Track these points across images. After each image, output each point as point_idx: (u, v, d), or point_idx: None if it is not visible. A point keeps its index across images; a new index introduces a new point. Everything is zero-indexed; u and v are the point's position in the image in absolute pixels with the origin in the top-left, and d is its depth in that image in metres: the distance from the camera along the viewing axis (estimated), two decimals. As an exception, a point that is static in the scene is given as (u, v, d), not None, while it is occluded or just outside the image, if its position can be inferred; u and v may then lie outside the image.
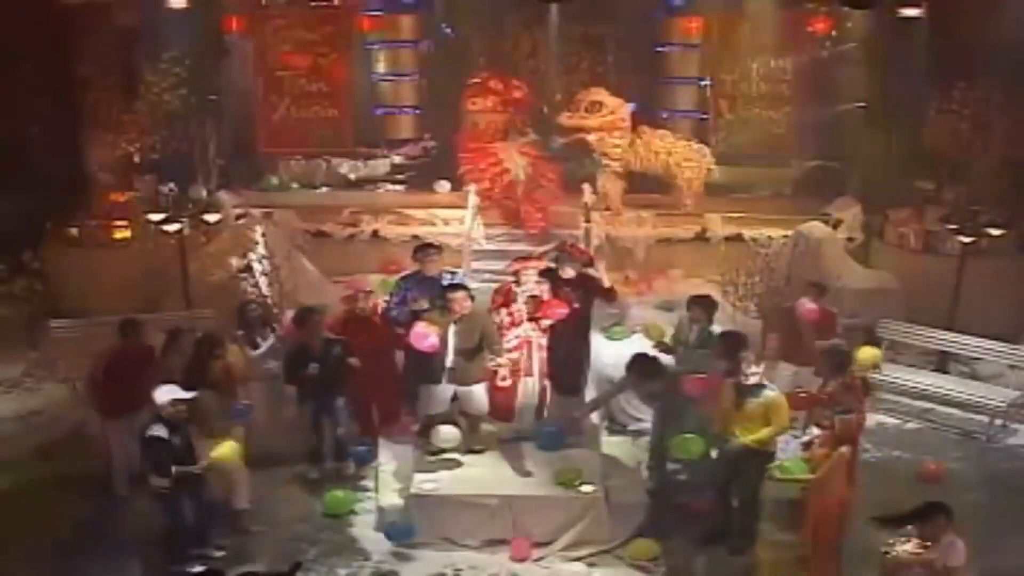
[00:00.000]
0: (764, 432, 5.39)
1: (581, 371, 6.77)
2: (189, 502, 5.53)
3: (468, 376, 6.19)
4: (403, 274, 6.91)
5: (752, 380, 5.51)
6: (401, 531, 5.75)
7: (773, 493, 5.86)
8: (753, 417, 5.45)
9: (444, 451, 6.18)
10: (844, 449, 5.12)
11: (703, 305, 6.54)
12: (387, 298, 6.82)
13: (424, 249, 6.92)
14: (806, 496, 5.39)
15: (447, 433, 6.23)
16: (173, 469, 5.37)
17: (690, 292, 7.36)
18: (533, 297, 6.42)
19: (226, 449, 5.71)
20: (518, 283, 6.53)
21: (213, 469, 5.65)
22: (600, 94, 10.31)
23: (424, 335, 5.92)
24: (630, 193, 10.45)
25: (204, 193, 9.30)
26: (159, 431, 5.40)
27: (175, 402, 5.44)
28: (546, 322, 6.38)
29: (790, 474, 5.25)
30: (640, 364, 6.18)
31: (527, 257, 6.86)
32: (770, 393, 5.51)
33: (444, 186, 11.38)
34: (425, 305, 6.27)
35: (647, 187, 10.58)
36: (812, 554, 5.23)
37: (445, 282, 6.67)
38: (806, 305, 7.12)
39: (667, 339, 6.89)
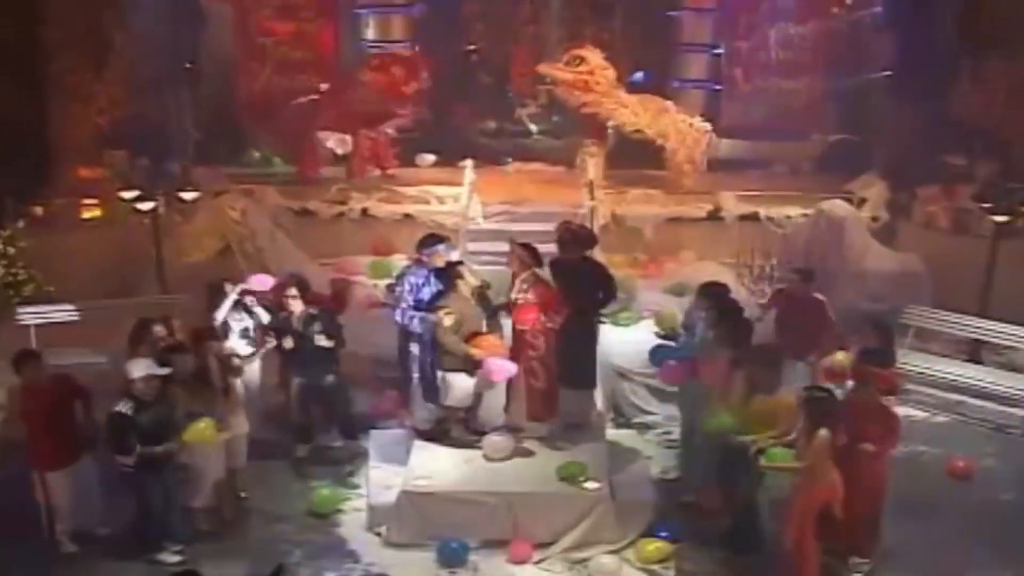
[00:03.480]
0: (768, 434, 5.35)
1: (593, 364, 6.68)
2: (156, 487, 5.47)
3: (449, 362, 6.12)
4: (407, 267, 6.65)
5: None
6: (453, 555, 5.59)
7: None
8: (758, 416, 5.42)
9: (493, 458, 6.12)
10: (823, 432, 5.00)
11: (712, 295, 6.40)
12: (390, 289, 6.66)
13: (429, 242, 6.60)
14: (793, 487, 5.29)
15: (498, 443, 6.15)
16: (137, 448, 5.30)
17: (701, 275, 7.25)
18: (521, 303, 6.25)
19: (201, 428, 5.54)
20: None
21: (185, 449, 5.55)
22: (587, 51, 10.24)
23: (502, 369, 5.96)
24: (623, 169, 10.32)
25: (180, 169, 9.19)
26: (125, 407, 5.34)
27: (149, 378, 5.37)
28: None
29: (774, 461, 5.15)
30: (710, 289, 6.25)
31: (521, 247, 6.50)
32: (781, 394, 5.44)
33: (427, 159, 11.26)
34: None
35: (643, 162, 10.43)
36: (793, 550, 5.17)
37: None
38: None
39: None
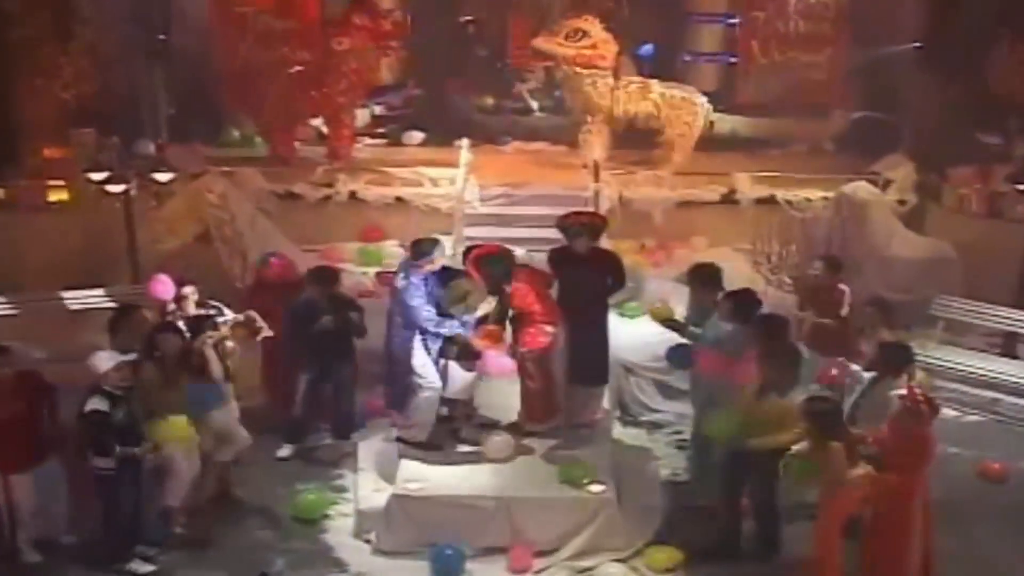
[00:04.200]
0: (784, 438, 5.31)
1: (605, 357, 6.62)
2: (130, 489, 5.45)
3: (450, 350, 6.10)
4: (408, 269, 6.36)
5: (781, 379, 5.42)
6: (448, 563, 5.52)
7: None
8: (769, 418, 5.39)
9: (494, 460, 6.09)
10: (835, 446, 4.99)
11: (703, 278, 6.33)
12: (379, 277, 6.61)
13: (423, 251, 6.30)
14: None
15: (499, 443, 6.12)
16: (117, 448, 5.28)
17: (713, 262, 7.16)
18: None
19: (175, 427, 5.52)
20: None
21: (160, 449, 5.53)
22: (589, 23, 10.17)
23: (497, 364, 5.96)
24: (630, 148, 10.30)
25: (153, 148, 9.13)
26: (99, 404, 5.30)
27: (120, 367, 5.34)
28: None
29: (792, 471, 5.12)
30: (701, 271, 6.20)
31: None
32: (798, 397, 5.40)
33: (415, 136, 11.21)
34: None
35: (634, 142, 10.40)
36: (817, 562, 5.14)
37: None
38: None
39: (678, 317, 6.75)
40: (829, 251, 8.61)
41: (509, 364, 6.06)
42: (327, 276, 6.74)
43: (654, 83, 10.29)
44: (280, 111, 10.31)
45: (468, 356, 6.09)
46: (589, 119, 10.22)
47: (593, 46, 10.02)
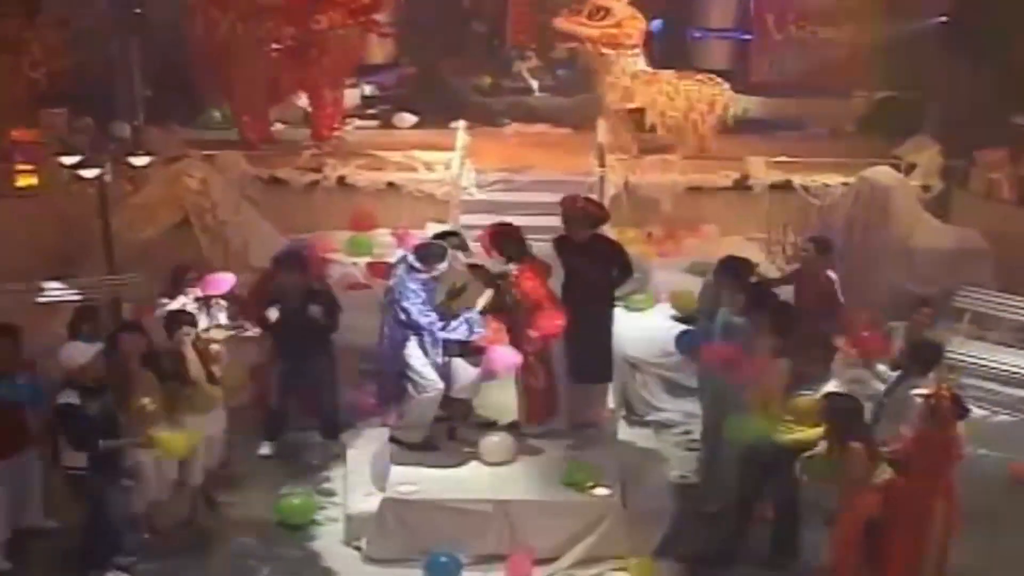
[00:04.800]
0: (811, 433, 5.30)
1: (608, 353, 6.61)
2: (109, 491, 5.42)
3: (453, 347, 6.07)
4: (407, 268, 6.27)
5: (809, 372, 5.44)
6: (443, 571, 5.52)
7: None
8: (799, 412, 5.37)
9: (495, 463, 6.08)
10: (856, 447, 4.97)
11: (732, 272, 6.28)
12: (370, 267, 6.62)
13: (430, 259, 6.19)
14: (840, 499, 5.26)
15: (498, 444, 6.11)
16: (100, 443, 5.23)
17: (726, 252, 7.12)
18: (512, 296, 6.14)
19: (179, 442, 5.50)
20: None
21: (148, 448, 5.51)
22: (611, 0, 10.01)
23: (504, 359, 5.92)
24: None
25: (129, 130, 9.09)
26: (71, 397, 5.27)
27: (96, 359, 5.31)
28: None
29: (812, 472, 5.10)
30: (731, 265, 6.15)
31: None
32: (827, 388, 5.40)
33: (406, 119, 11.18)
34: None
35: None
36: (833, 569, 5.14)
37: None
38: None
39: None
40: (849, 241, 8.62)
41: (516, 360, 6.02)
42: (294, 262, 6.66)
43: (669, 73, 10.26)
44: (255, 91, 10.27)
45: (472, 352, 6.06)
46: (612, 101, 10.13)
47: (618, 24, 10.02)
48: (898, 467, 5.06)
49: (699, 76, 10.27)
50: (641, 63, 10.11)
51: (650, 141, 10.36)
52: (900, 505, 5.06)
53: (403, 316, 6.01)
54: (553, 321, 6.05)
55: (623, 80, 10.08)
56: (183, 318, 6.01)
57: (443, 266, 6.10)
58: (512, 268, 6.11)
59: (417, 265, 6.03)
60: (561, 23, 10.22)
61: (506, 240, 6.21)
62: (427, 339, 6.02)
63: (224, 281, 6.68)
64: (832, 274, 6.77)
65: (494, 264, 6.24)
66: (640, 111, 10.19)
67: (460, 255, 6.25)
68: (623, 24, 9.99)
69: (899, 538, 5.10)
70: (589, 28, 10.00)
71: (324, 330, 6.62)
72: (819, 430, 5.28)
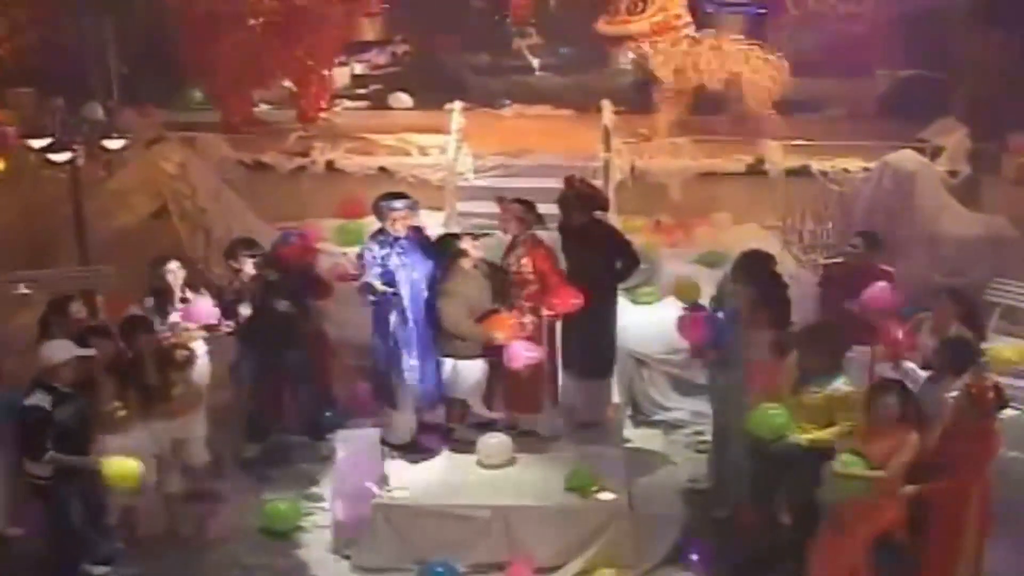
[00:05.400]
0: (824, 433, 5.32)
1: (611, 348, 6.62)
2: (75, 500, 5.39)
3: (462, 348, 6.07)
4: (369, 238, 6.47)
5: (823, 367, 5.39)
6: None
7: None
8: (813, 411, 5.37)
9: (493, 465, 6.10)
10: (911, 437, 4.95)
11: (751, 268, 6.25)
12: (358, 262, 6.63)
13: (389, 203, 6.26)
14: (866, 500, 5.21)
15: (496, 445, 6.12)
16: (49, 454, 5.18)
17: (740, 241, 7.16)
18: (518, 275, 6.18)
19: (125, 470, 5.35)
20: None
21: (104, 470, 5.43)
22: None
23: (523, 355, 5.93)
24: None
25: (102, 111, 9.05)
26: (40, 399, 5.23)
27: (72, 362, 5.27)
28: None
29: (849, 468, 5.08)
30: (750, 260, 6.12)
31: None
32: (842, 385, 5.38)
33: (402, 99, 11.15)
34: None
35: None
36: None
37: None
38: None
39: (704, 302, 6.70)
40: (870, 228, 8.57)
41: (535, 355, 6.01)
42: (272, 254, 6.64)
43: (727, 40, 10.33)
44: (237, 70, 10.26)
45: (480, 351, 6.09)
46: (668, 81, 10.13)
47: (662, 8, 9.99)
48: (930, 472, 5.03)
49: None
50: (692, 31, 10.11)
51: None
52: (935, 507, 5.05)
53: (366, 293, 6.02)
54: (568, 299, 6.07)
55: (676, 58, 10.02)
56: (140, 324, 6.01)
57: (396, 207, 6.04)
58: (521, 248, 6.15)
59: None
60: (606, 28, 10.32)
61: (526, 207, 6.23)
62: (398, 324, 5.99)
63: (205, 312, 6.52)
64: (888, 268, 6.77)
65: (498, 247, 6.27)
66: (701, 88, 10.15)
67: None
68: (667, 6, 9.99)
69: (933, 544, 5.09)
70: (638, 23, 10.00)
71: (300, 324, 6.58)
72: (835, 429, 5.29)
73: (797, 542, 5.65)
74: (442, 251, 6.15)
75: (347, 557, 5.91)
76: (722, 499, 6.25)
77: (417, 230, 6.28)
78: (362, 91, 11.96)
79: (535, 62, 12.33)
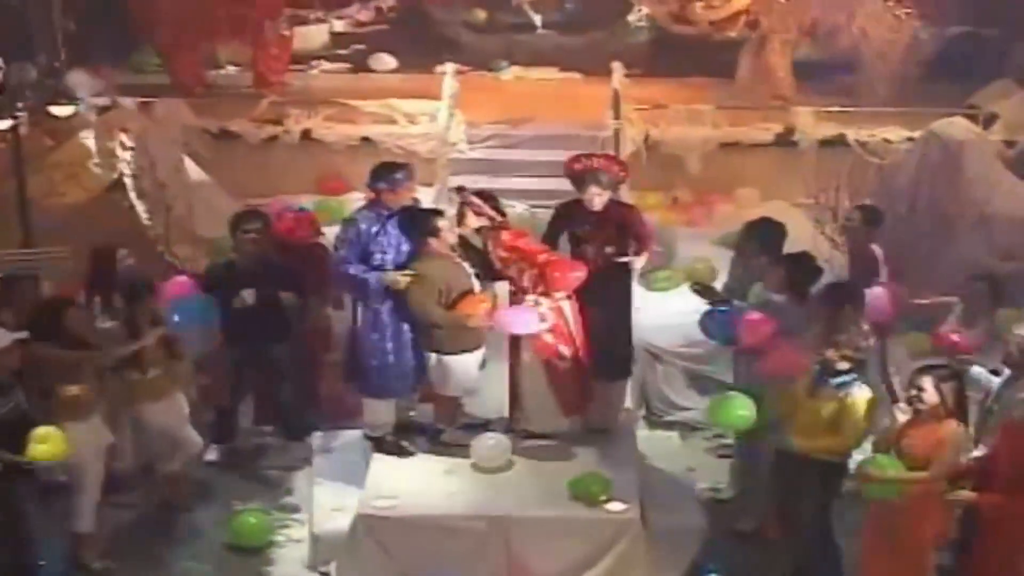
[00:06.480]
0: (827, 442, 5.35)
1: (627, 343, 6.62)
2: (26, 507, 5.42)
3: (447, 341, 6.06)
4: (358, 209, 6.55)
5: (841, 366, 5.39)
6: None
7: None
8: (821, 417, 5.39)
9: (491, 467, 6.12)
10: (957, 430, 4.94)
11: (761, 238, 6.29)
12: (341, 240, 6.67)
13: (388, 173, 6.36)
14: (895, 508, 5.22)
15: (493, 448, 6.12)
16: None
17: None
18: (504, 267, 6.19)
19: (48, 443, 5.34)
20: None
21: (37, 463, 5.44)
22: None
23: (521, 319, 5.96)
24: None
25: (48, 73, 9.04)
26: None
27: (10, 347, 5.29)
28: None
29: (882, 470, 5.08)
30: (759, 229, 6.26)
31: None
32: (856, 391, 5.38)
33: (385, 61, 11.13)
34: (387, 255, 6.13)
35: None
36: None
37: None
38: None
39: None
40: (914, 207, 8.57)
41: (533, 316, 5.99)
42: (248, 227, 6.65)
43: None
44: (182, 21, 10.25)
45: (469, 342, 6.12)
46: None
47: None
48: (984, 481, 5.02)
49: None
50: None
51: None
52: (992, 523, 5.03)
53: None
54: (566, 269, 6.06)
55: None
56: (62, 302, 6.05)
57: (399, 178, 6.08)
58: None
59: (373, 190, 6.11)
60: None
61: (487, 199, 6.30)
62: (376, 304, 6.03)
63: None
64: (877, 249, 6.77)
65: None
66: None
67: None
68: None
69: (978, 567, 5.09)
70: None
71: (284, 313, 6.63)
72: (836, 441, 5.29)
73: (813, 556, 5.67)
74: (412, 228, 6.13)
75: (325, 574, 5.93)
76: (747, 510, 6.28)
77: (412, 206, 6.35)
78: (342, 51, 11.95)
79: (537, 19, 12.34)
